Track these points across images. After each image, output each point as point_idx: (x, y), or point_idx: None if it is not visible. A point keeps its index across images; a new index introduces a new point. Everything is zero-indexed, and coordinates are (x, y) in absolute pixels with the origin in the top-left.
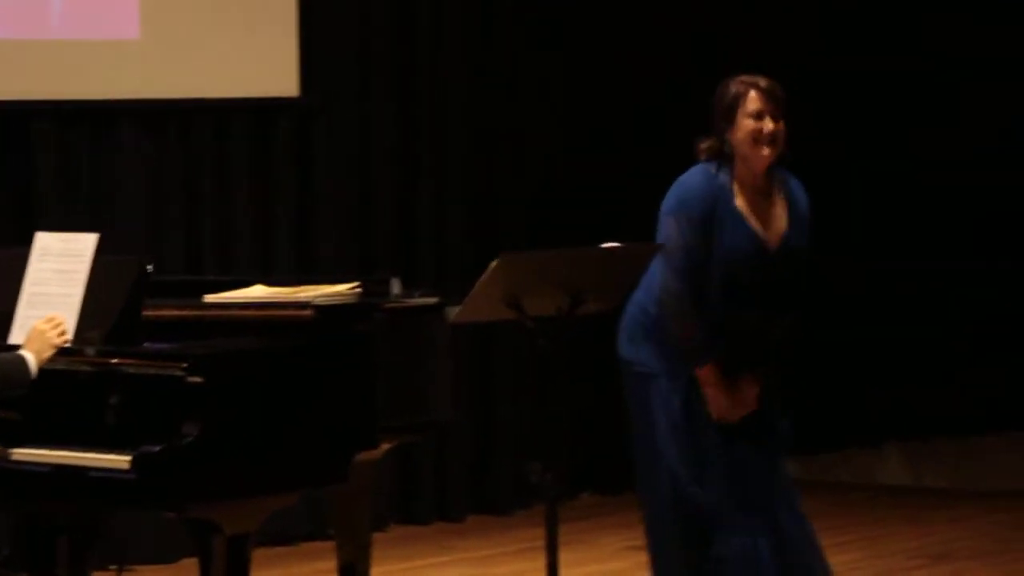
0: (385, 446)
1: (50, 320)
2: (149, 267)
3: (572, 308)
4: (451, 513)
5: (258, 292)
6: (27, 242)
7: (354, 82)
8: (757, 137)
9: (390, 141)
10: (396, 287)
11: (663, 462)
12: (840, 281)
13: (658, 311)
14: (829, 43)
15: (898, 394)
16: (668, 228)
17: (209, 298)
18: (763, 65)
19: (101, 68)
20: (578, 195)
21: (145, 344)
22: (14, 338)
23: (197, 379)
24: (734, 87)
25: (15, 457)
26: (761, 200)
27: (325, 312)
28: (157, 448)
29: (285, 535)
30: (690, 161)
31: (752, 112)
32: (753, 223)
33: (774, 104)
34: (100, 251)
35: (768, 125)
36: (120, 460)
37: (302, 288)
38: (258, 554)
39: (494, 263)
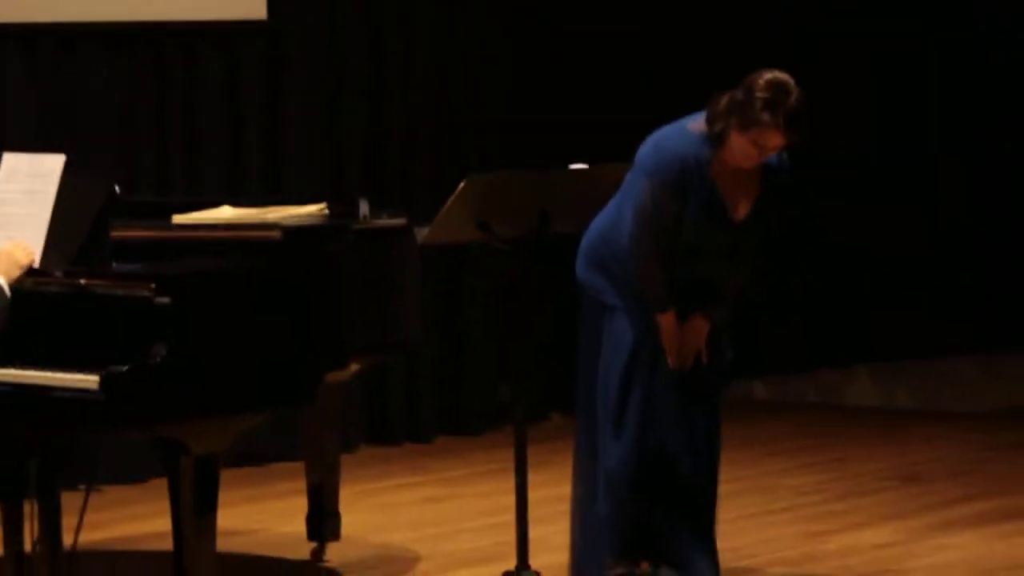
0: (354, 367)
1: (16, 244)
2: (117, 188)
3: (540, 229)
4: (420, 434)
5: (226, 213)
6: None
7: (322, 3)
8: (749, 157)
9: (358, 62)
10: (364, 208)
11: (602, 393)
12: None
13: (626, 258)
14: None
15: (866, 315)
16: (643, 189)
17: (177, 219)
18: None
19: None
20: (548, 117)
21: (113, 265)
22: None
23: (165, 299)
24: (768, 111)
25: None
26: (738, 173)
27: (293, 233)
28: (125, 368)
29: (254, 456)
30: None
31: (763, 145)
32: (725, 195)
33: (784, 142)
34: (67, 172)
35: (764, 155)
36: (88, 380)
37: (270, 209)
38: (227, 474)
39: (462, 183)
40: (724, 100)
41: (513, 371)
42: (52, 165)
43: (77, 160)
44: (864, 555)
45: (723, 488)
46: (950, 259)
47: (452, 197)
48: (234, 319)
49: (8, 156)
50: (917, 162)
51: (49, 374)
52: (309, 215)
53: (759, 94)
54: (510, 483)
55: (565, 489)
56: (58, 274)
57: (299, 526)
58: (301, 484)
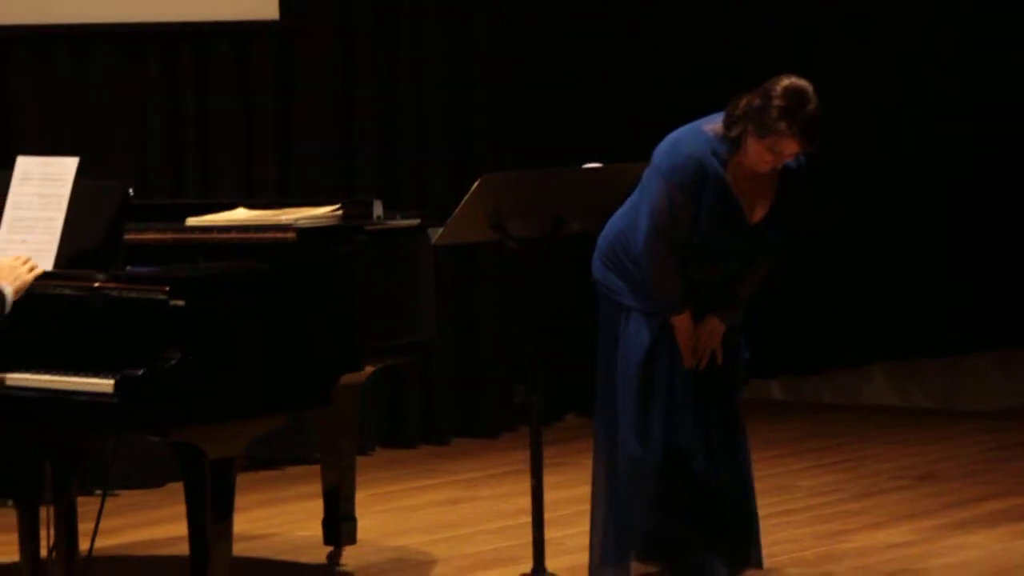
0: (369, 368)
1: (17, 258)
2: (130, 190)
3: (555, 229)
4: (436, 436)
5: (240, 215)
6: (7, 166)
7: (334, 3)
8: (765, 163)
9: (371, 62)
10: (378, 209)
11: (621, 393)
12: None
13: (639, 260)
14: None
15: (883, 314)
16: (658, 190)
17: (191, 221)
18: None
19: None
20: (562, 116)
21: (127, 268)
22: None
23: (179, 302)
24: (784, 119)
25: None
26: (753, 174)
27: (307, 234)
28: (140, 371)
29: (270, 459)
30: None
31: (779, 152)
32: (740, 197)
33: (800, 150)
34: (81, 175)
35: (780, 161)
36: (103, 384)
37: (284, 211)
38: (243, 478)
39: (476, 183)
40: (742, 103)
41: (528, 372)
42: (66, 168)
43: (90, 162)
44: (881, 555)
45: None
46: (966, 257)
47: (466, 197)
48: (249, 321)
49: (22, 159)
50: (927, 158)
51: (64, 378)
52: (323, 216)
53: (776, 101)
54: (526, 485)
55: (581, 490)
56: (72, 277)
57: (315, 530)
58: (317, 487)
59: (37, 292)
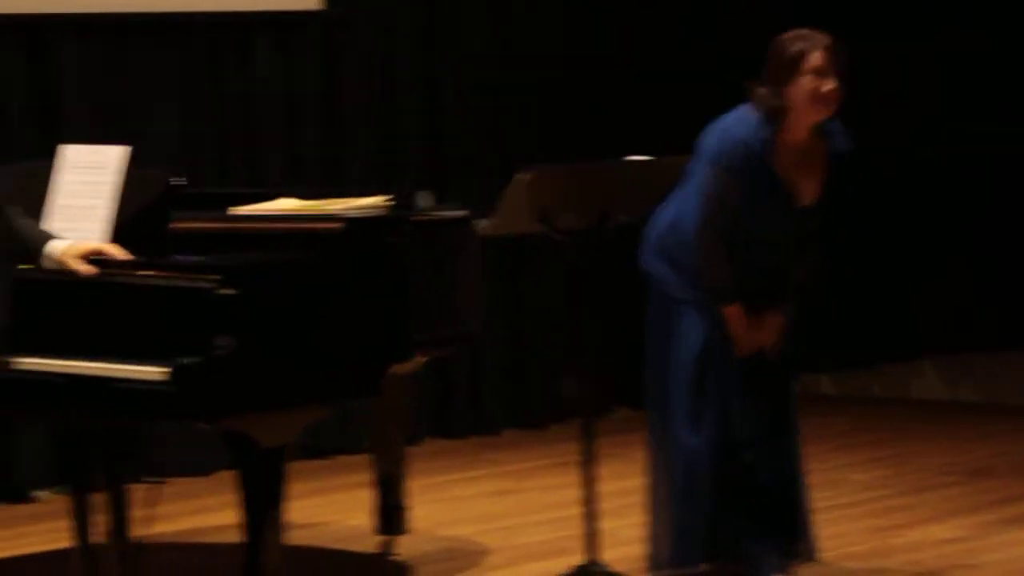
0: (419, 358)
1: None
2: (178, 179)
3: (601, 221)
4: (486, 427)
5: (288, 204)
6: (52, 155)
7: None
8: (817, 95)
9: (415, 52)
10: (426, 200)
11: (674, 386)
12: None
13: (690, 249)
14: None
15: (932, 308)
16: (707, 176)
17: (239, 210)
18: None
19: None
20: (608, 106)
21: (175, 256)
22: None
23: (229, 291)
24: (797, 43)
25: (48, 369)
26: (801, 156)
27: (356, 225)
28: (193, 360)
29: (320, 448)
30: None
31: (814, 68)
32: (788, 180)
33: (836, 63)
34: (129, 164)
35: (829, 84)
36: (156, 372)
37: (332, 201)
38: (294, 467)
39: (522, 176)
40: (762, 79)
41: (578, 364)
42: (116, 156)
43: (138, 152)
44: (933, 550)
45: None
46: (1016, 251)
47: (513, 189)
48: (299, 311)
49: (71, 148)
50: (979, 152)
51: (115, 366)
52: (371, 206)
53: (786, 40)
54: (575, 477)
55: (631, 482)
56: (121, 265)
57: (366, 519)
58: (366, 477)
59: (88, 279)
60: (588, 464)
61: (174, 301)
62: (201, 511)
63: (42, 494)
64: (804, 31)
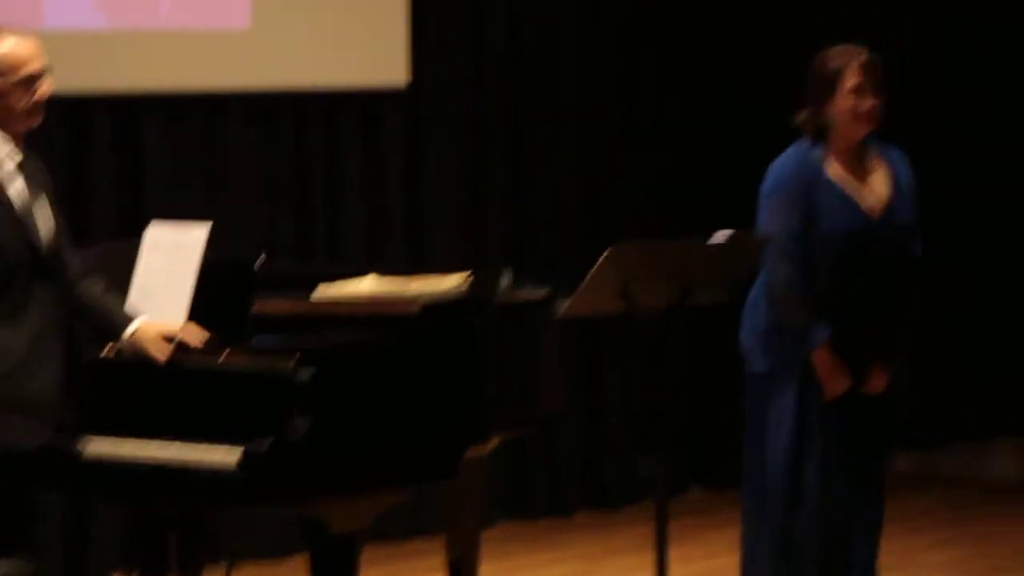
0: (494, 441)
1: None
2: (260, 258)
3: (682, 299)
4: (560, 508)
5: (370, 282)
6: (139, 233)
7: (464, 71)
8: (858, 112)
9: (500, 131)
10: (506, 279)
11: (770, 465)
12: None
13: (767, 301)
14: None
15: (1008, 388)
16: (766, 212)
17: (318, 293)
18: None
19: (211, 58)
20: (690, 185)
21: (255, 337)
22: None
23: (306, 374)
24: (835, 60)
25: (123, 452)
26: (858, 170)
27: (434, 306)
28: (266, 444)
29: (393, 531)
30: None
31: (853, 87)
32: (852, 194)
33: (875, 78)
34: (211, 242)
35: (869, 101)
36: (229, 456)
37: (413, 279)
38: (366, 550)
39: (605, 254)
40: (805, 108)
41: (655, 444)
42: (196, 236)
43: (220, 229)
44: None
45: None
46: None
47: (596, 267)
48: (376, 394)
49: (152, 228)
50: None
51: (189, 449)
52: (451, 286)
53: (823, 58)
54: (650, 558)
55: (704, 564)
56: (199, 347)
57: None
58: (440, 560)
59: (165, 363)
60: (662, 546)
61: (250, 383)
62: None
63: None
64: (842, 47)
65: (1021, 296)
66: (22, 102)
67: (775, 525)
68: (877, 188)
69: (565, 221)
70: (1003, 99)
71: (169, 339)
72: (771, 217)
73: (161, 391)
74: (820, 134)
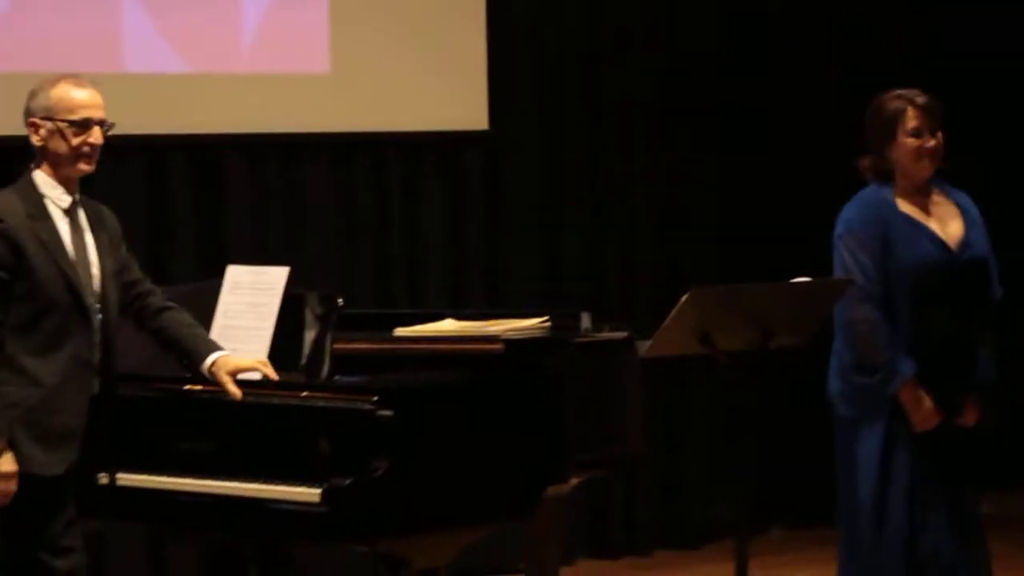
0: (575, 480)
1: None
2: (340, 300)
3: (762, 342)
4: (640, 547)
5: (448, 325)
6: (219, 275)
7: (543, 115)
8: (919, 154)
9: (578, 174)
10: (586, 321)
11: (857, 504)
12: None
13: (847, 344)
14: None
15: None
16: (841, 253)
17: (399, 332)
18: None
19: (292, 102)
20: (769, 227)
21: (335, 377)
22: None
23: (387, 412)
24: (892, 104)
25: (205, 489)
26: (928, 209)
27: (515, 346)
28: (347, 481)
29: (473, 568)
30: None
31: (911, 130)
32: (931, 226)
33: (932, 119)
34: (291, 284)
35: (929, 142)
36: (310, 493)
37: (492, 321)
38: None
39: (685, 297)
40: (867, 155)
41: (735, 484)
42: (276, 277)
43: (300, 271)
44: None
45: None
46: None
47: (675, 310)
48: (456, 432)
49: (232, 268)
50: None
51: (270, 487)
52: (531, 327)
53: (881, 102)
54: None
55: None
56: (280, 386)
57: None
58: None
59: (245, 400)
60: None
61: (331, 421)
62: None
63: None
64: (898, 91)
65: None
66: (69, 146)
67: (863, 564)
68: (950, 225)
69: (643, 262)
70: None
71: (242, 372)
72: (844, 257)
73: (237, 428)
74: (886, 177)
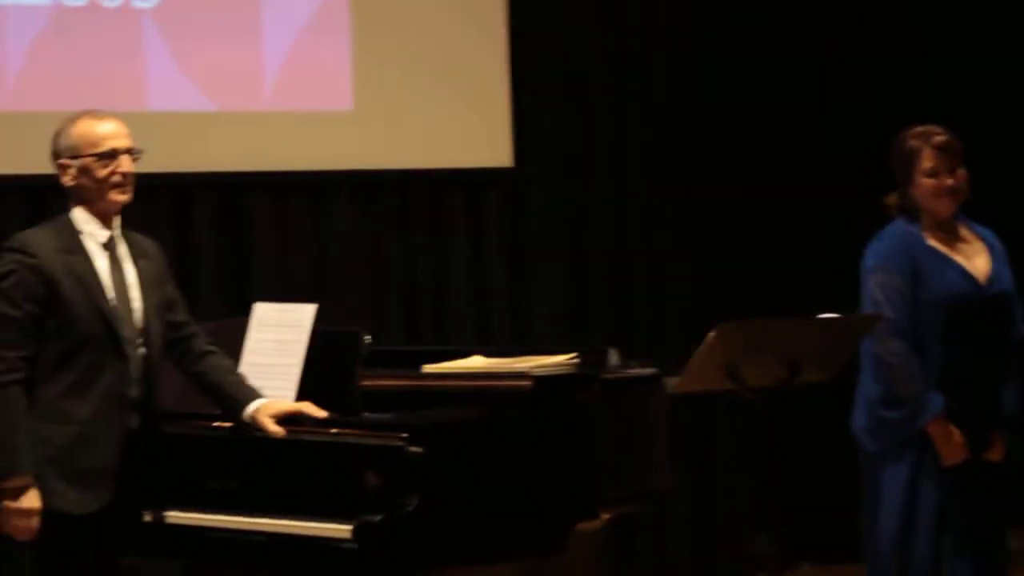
0: (604, 516)
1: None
2: (367, 337)
3: (791, 378)
4: None
5: (476, 362)
6: (246, 312)
7: (567, 151)
8: (937, 193)
9: (603, 210)
10: (614, 358)
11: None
12: None
13: (875, 378)
14: None
15: None
16: (869, 287)
17: (427, 368)
18: None
19: (316, 139)
20: (795, 263)
21: (364, 414)
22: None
23: (417, 449)
24: (909, 143)
25: (235, 525)
26: (954, 244)
27: (544, 383)
28: (377, 517)
29: None
30: None
31: (927, 170)
32: (959, 259)
33: (949, 158)
34: (318, 321)
35: (946, 181)
36: (341, 529)
37: (520, 359)
38: None
39: (712, 333)
40: (894, 193)
41: (766, 521)
42: (303, 315)
43: (326, 308)
44: None
45: None
46: None
47: (702, 346)
48: (485, 468)
49: (259, 306)
50: None
51: (301, 523)
52: (559, 364)
53: (901, 140)
54: None
55: None
56: (314, 423)
57: None
58: None
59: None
60: None
61: (361, 458)
62: None
63: None
64: (919, 129)
65: None
66: (98, 179)
67: None
68: (976, 259)
69: (670, 298)
70: None
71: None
72: (873, 291)
73: (273, 465)
74: (912, 213)
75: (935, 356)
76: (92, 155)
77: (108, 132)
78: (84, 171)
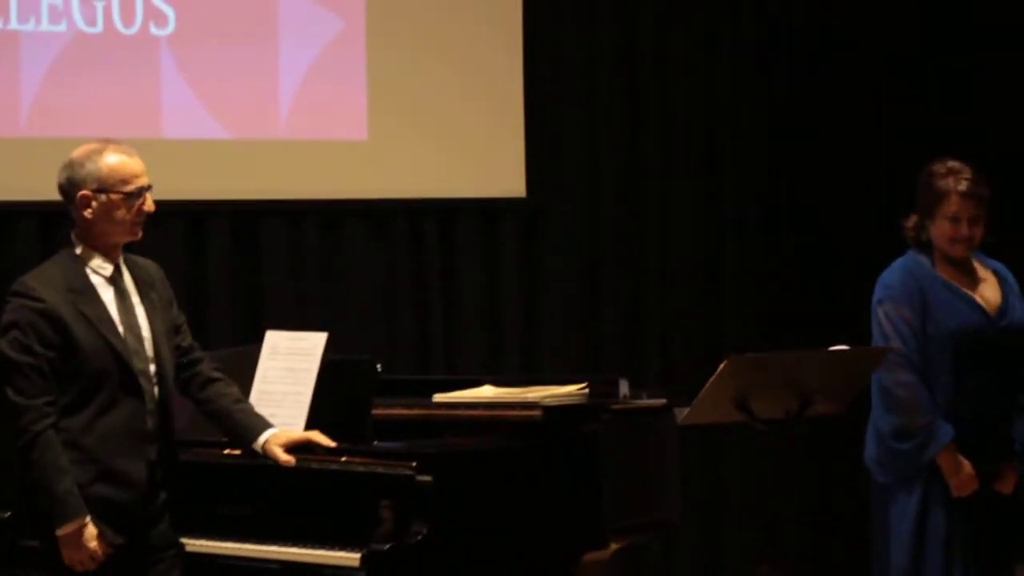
0: (613, 546)
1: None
2: (378, 366)
3: (800, 410)
4: None
5: (487, 392)
6: (258, 340)
7: (581, 182)
8: (953, 239)
9: (617, 241)
10: (624, 388)
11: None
12: None
13: (885, 409)
14: None
15: None
16: (879, 318)
17: (438, 398)
18: None
19: (330, 168)
20: (807, 295)
21: (374, 443)
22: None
23: (426, 478)
24: (938, 183)
25: (247, 553)
26: (965, 277)
27: (553, 413)
28: (386, 546)
29: None
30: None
31: (950, 215)
32: (968, 291)
33: (973, 207)
34: (329, 350)
35: (964, 230)
36: (350, 558)
37: (530, 388)
38: None
39: (723, 364)
40: (913, 216)
41: (775, 552)
42: (315, 343)
43: (338, 337)
44: None
45: None
46: None
47: (713, 378)
48: (494, 498)
49: (271, 334)
50: None
51: (310, 551)
52: (570, 394)
53: (931, 174)
54: None
55: None
56: (324, 452)
57: None
58: None
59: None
60: None
61: (371, 487)
62: None
63: None
64: (950, 165)
65: None
66: (126, 216)
67: None
68: (987, 291)
69: (681, 329)
70: None
71: (295, 445)
72: (882, 323)
73: (283, 492)
74: (925, 246)
75: (945, 387)
76: (121, 193)
77: (137, 170)
78: (108, 206)
